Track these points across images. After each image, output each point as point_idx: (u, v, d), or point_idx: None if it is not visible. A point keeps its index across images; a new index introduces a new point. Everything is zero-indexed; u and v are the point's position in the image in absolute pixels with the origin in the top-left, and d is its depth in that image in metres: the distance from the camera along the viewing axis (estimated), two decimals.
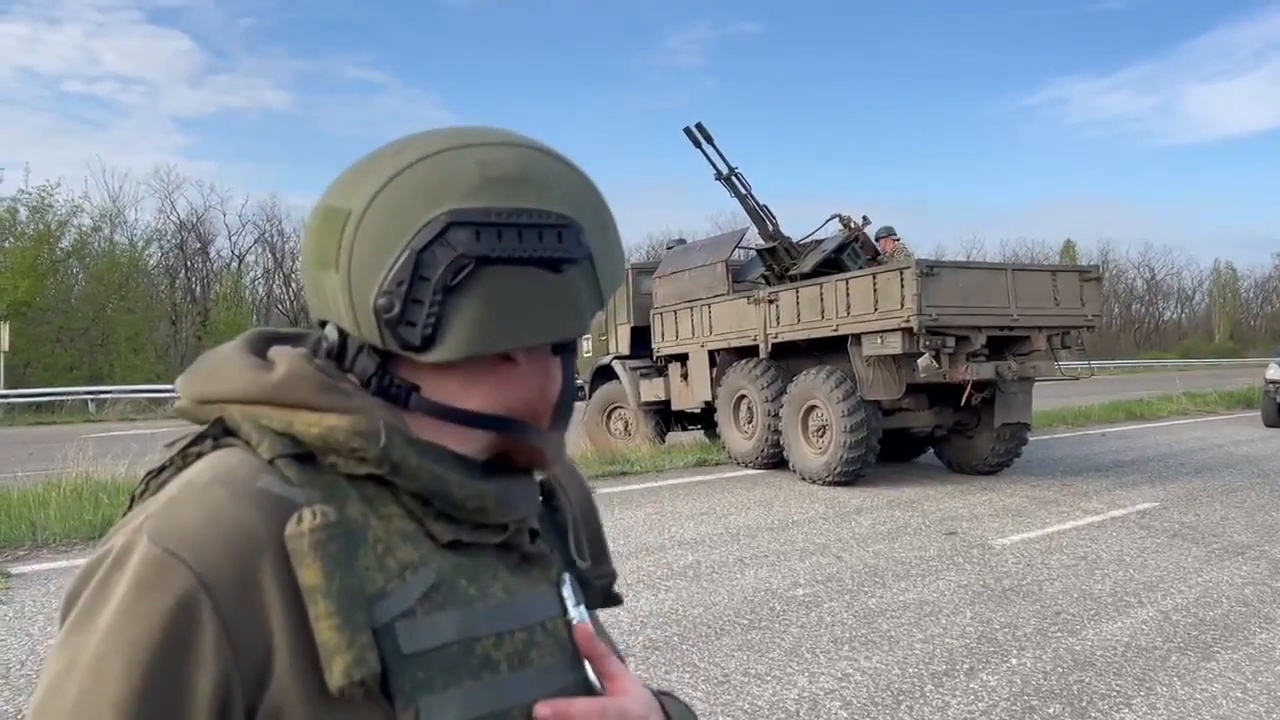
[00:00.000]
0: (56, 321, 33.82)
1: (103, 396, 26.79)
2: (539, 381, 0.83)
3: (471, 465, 0.80)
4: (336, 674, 0.65)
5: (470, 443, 0.80)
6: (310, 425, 0.73)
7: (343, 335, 0.78)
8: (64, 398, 26.92)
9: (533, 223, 0.75)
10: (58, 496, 8.31)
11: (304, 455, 0.73)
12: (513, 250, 0.74)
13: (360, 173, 0.77)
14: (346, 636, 0.66)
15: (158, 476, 0.75)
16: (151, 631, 0.64)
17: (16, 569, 6.74)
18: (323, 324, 0.80)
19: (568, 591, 0.86)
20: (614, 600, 0.96)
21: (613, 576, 0.95)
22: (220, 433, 0.75)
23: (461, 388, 0.79)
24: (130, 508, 0.74)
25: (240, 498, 0.69)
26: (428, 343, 0.73)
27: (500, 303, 0.74)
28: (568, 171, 0.81)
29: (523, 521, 0.83)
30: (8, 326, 26.66)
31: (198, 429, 0.76)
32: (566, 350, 0.85)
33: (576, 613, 0.85)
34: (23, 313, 30.77)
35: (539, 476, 0.90)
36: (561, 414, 0.86)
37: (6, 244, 33.42)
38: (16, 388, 27.46)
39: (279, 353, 0.78)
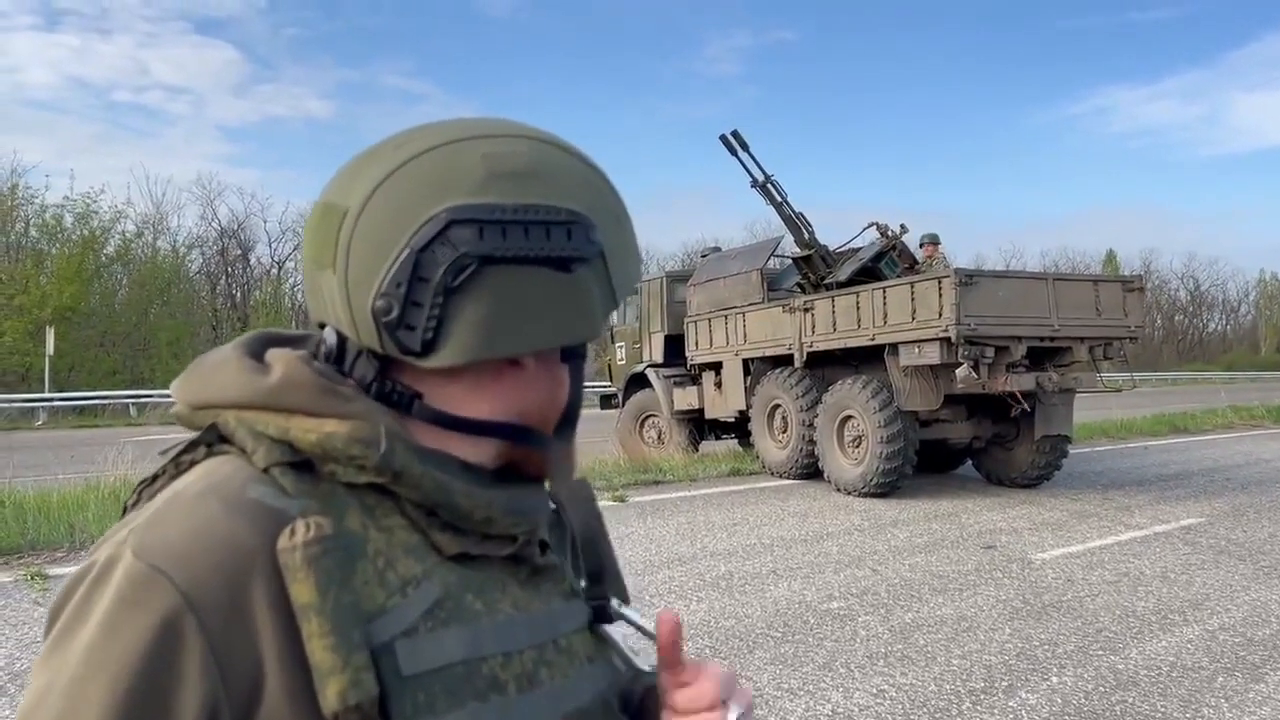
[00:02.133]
0: (100, 326, 34.45)
1: (144, 400, 27.21)
2: (548, 387, 0.79)
3: (479, 473, 0.76)
4: (331, 698, 0.61)
5: (478, 450, 0.77)
6: (307, 432, 0.69)
7: (341, 339, 0.74)
8: (106, 401, 27.38)
9: (540, 219, 0.71)
10: (96, 499, 8.42)
11: (301, 463, 0.69)
12: (519, 249, 0.70)
13: (360, 167, 0.72)
14: (341, 657, 0.62)
15: (150, 485, 0.71)
16: (134, 651, 0.60)
17: (54, 570, 6.82)
18: (322, 326, 0.77)
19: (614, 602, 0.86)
20: (604, 619, 0.90)
21: (606, 598, 0.89)
22: (214, 439, 0.71)
23: (466, 393, 0.75)
24: (123, 517, 0.70)
25: (231, 509, 0.65)
26: (428, 348, 0.69)
27: (505, 305, 0.70)
28: (579, 165, 0.77)
29: (533, 533, 0.79)
30: (53, 331, 27.14)
31: (193, 435, 0.73)
32: (576, 355, 0.81)
33: (633, 614, 0.85)
34: (68, 317, 31.37)
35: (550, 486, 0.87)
36: (568, 422, 0.82)
37: (53, 250, 34.11)
38: (61, 391, 27.97)
39: (276, 355, 0.74)
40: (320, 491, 0.69)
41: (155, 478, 0.72)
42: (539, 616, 0.77)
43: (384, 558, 0.69)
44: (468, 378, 0.74)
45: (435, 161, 0.71)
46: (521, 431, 0.77)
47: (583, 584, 0.87)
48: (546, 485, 0.84)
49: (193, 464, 0.71)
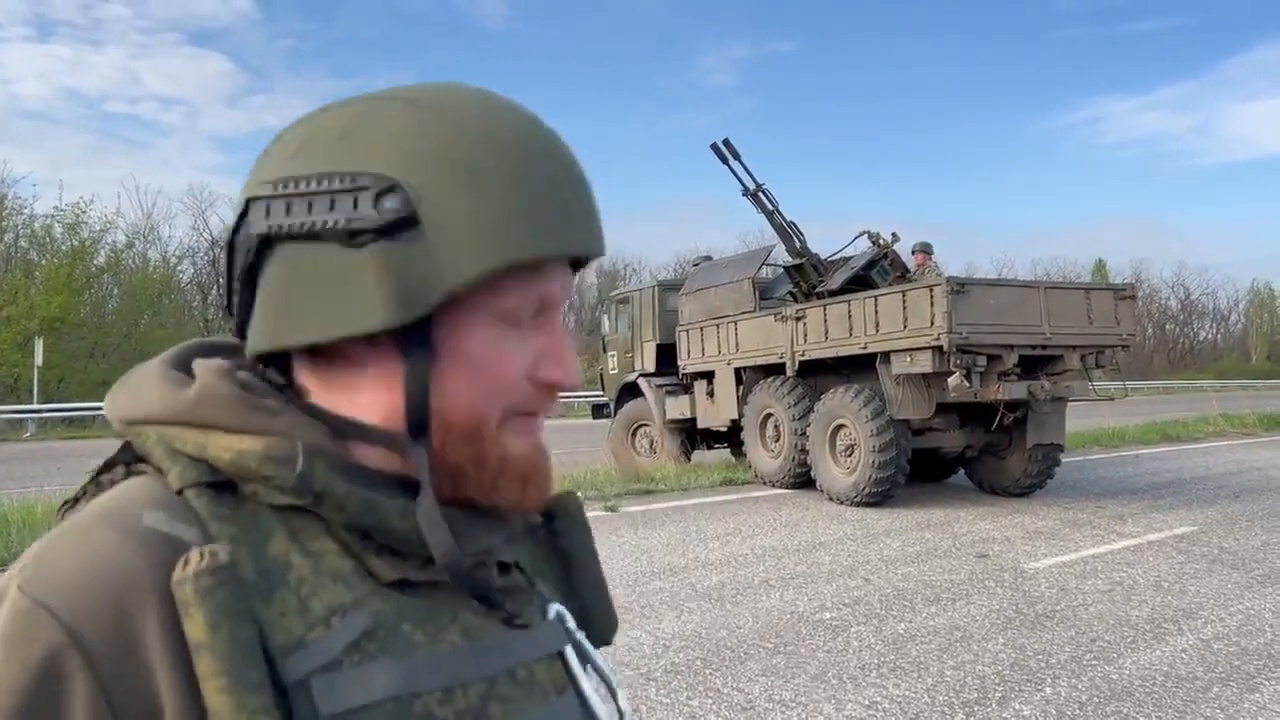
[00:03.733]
0: (90, 337, 34.28)
1: None
2: (385, 383, 0.67)
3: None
4: None
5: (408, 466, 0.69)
6: (224, 450, 0.64)
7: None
8: (96, 413, 27.21)
9: (328, 188, 0.63)
10: None
11: (224, 483, 0.64)
12: (299, 223, 0.63)
13: None
14: (234, 700, 0.56)
15: (72, 508, 0.66)
16: (14, 690, 0.55)
17: None
18: None
19: (554, 617, 0.76)
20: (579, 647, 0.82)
21: (591, 625, 0.83)
22: (130, 459, 0.67)
23: (343, 394, 0.68)
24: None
25: (124, 537, 0.59)
26: (242, 339, 0.68)
27: (285, 287, 0.64)
28: (424, 119, 0.65)
29: (486, 554, 0.71)
30: (42, 342, 27.00)
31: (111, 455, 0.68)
32: (413, 344, 0.65)
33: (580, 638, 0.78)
34: (56, 328, 31.21)
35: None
36: (416, 427, 0.66)
37: (42, 260, 33.97)
38: (50, 402, 27.81)
39: (200, 366, 0.69)
40: (241, 515, 0.63)
41: (77, 500, 0.67)
42: (493, 645, 0.69)
43: (309, 585, 0.62)
44: (337, 377, 0.68)
45: (277, 140, 0.68)
46: (375, 434, 0.68)
47: (555, 609, 0.78)
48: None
49: (112, 484, 0.66)
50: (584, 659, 0.77)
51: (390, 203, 0.63)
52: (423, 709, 0.63)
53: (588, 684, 0.75)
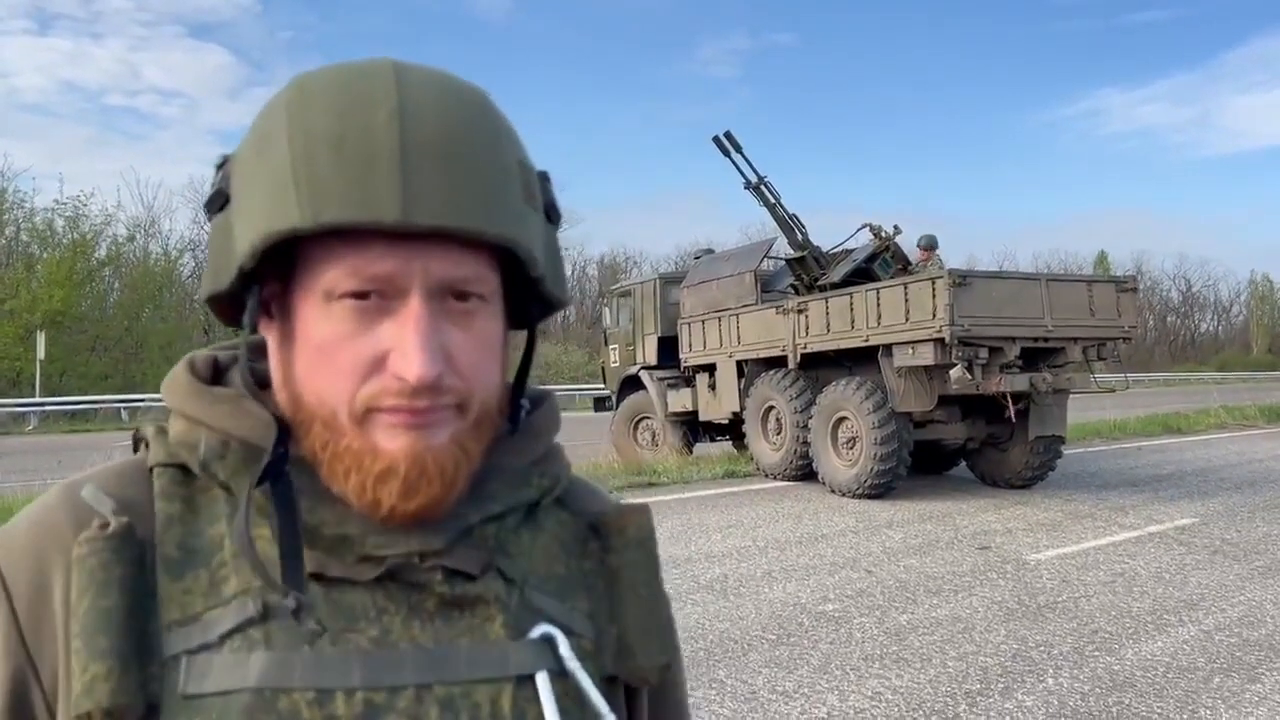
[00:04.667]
0: (91, 330, 34.31)
1: (135, 405, 27.09)
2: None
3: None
4: (70, 703, 0.60)
5: None
6: (173, 435, 0.70)
7: None
8: (97, 406, 27.25)
9: (221, 162, 0.68)
10: None
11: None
12: (212, 189, 0.68)
13: None
14: (80, 662, 0.60)
15: None
16: None
17: None
18: None
19: (537, 638, 0.69)
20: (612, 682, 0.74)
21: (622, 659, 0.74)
22: (141, 439, 0.73)
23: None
24: None
25: (63, 505, 0.67)
26: None
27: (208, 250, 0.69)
28: (280, 93, 0.66)
29: (426, 556, 0.66)
30: (44, 336, 27.02)
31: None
32: (267, 321, 0.69)
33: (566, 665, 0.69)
34: (58, 322, 31.23)
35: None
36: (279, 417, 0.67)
37: (43, 254, 33.97)
38: (52, 396, 27.83)
39: (189, 355, 0.76)
40: (196, 495, 0.68)
41: None
42: (411, 655, 0.65)
43: (229, 568, 0.65)
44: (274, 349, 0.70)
45: None
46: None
47: (542, 629, 0.69)
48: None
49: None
50: (572, 690, 0.68)
51: (217, 177, 0.67)
52: (288, 706, 0.61)
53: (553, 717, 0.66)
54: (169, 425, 0.70)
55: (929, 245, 12.32)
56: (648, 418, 14.46)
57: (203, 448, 0.67)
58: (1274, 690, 4.61)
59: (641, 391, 14.36)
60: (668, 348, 13.87)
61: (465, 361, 0.65)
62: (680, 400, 13.57)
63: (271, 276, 0.66)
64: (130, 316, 35.94)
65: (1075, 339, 10.32)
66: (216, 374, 0.73)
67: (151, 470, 0.68)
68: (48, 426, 25.35)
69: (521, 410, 0.76)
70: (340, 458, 0.64)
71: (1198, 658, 5.10)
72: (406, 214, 0.59)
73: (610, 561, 0.76)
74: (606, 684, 0.72)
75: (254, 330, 0.66)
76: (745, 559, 7.49)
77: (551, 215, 0.72)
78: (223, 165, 0.67)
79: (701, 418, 13.43)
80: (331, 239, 0.61)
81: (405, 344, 0.61)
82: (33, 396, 27.17)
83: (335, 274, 0.62)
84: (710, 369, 13.06)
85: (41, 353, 26.69)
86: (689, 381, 13.58)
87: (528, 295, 0.72)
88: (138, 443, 0.73)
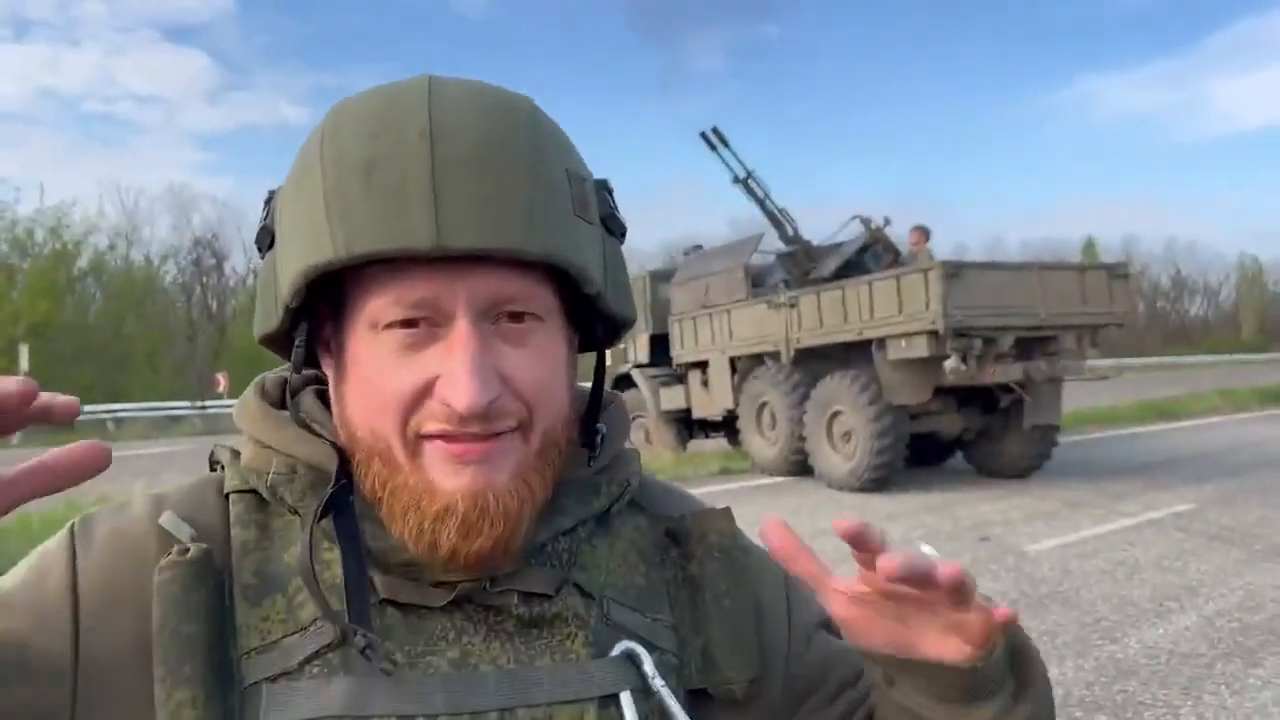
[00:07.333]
0: (74, 340, 34.12)
1: (121, 415, 26.92)
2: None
3: None
4: None
5: None
6: (244, 459, 0.69)
7: None
8: (83, 417, 27.06)
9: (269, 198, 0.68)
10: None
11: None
12: (261, 225, 0.69)
13: None
14: (165, 690, 0.60)
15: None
16: (26, 584, 0.65)
17: None
18: None
19: (619, 655, 0.66)
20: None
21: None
22: (217, 461, 0.73)
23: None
24: None
25: (143, 523, 0.67)
26: None
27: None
28: (320, 122, 0.65)
29: (504, 579, 0.65)
30: (27, 348, 26.84)
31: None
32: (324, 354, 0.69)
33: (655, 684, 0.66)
34: (41, 333, 31.06)
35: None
36: (339, 449, 0.66)
37: (24, 264, 33.79)
38: None
39: (260, 377, 0.75)
40: (272, 521, 0.67)
41: None
42: (493, 678, 0.63)
43: (305, 594, 0.63)
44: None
45: None
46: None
47: (623, 646, 0.67)
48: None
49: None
50: (657, 708, 0.66)
51: (264, 213, 0.66)
52: None
53: None
54: (242, 449, 0.70)
55: (922, 231, 12.27)
56: (640, 416, 14.42)
57: (271, 475, 0.66)
58: (1276, 674, 4.60)
59: (634, 390, 14.31)
60: (659, 345, 13.85)
61: (524, 380, 0.62)
62: (673, 398, 13.53)
63: (324, 311, 0.64)
64: (113, 325, 35.78)
65: (1068, 327, 10.31)
66: (287, 395, 0.71)
67: (227, 496, 0.68)
68: (32, 439, 25.17)
69: (598, 436, 0.73)
70: (398, 495, 0.62)
71: (1200, 644, 5.09)
72: (441, 238, 0.57)
73: (691, 570, 0.73)
74: (693, 697, 0.69)
75: (299, 370, 0.65)
76: None
77: (612, 227, 0.68)
78: (270, 200, 0.66)
79: (695, 415, 13.41)
80: (374, 268, 0.60)
81: (453, 369, 0.60)
82: None
83: (379, 303, 0.61)
84: (702, 366, 13.02)
85: (25, 364, 26.51)
86: (681, 379, 13.55)
87: (590, 313, 0.68)
88: (214, 464, 0.73)
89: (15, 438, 23.52)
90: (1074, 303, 10.29)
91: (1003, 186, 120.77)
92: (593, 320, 0.69)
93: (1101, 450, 14.19)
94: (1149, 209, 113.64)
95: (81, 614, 0.62)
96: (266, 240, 0.65)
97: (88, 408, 27.78)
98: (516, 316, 0.62)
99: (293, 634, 0.62)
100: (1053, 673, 4.67)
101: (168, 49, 79.01)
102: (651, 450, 13.72)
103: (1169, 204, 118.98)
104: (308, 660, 0.61)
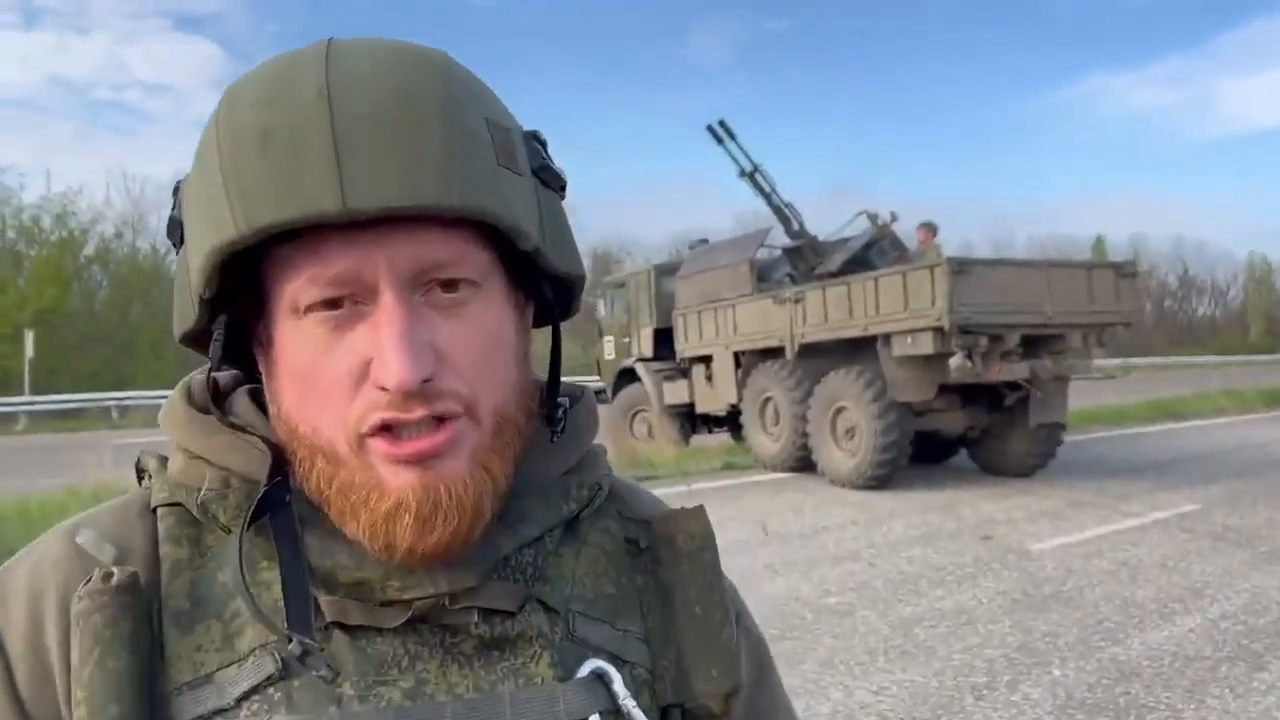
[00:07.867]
0: (80, 328, 34.15)
1: (126, 403, 26.93)
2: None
3: None
4: None
5: None
6: (173, 471, 0.63)
7: None
8: (88, 404, 27.10)
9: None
10: (78, 505, 8.27)
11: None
12: (170, 218, 0.64)
13: None
14: None
15: None
16: None
17: None
18: None
19: (588, 675, 0.62)
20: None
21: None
22: (142, 471, 0.67)
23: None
24: None
25: (59, 551, 0.61)
26: None
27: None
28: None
29: (457, 597, 0.59)
30: (33, 335, 26.87)
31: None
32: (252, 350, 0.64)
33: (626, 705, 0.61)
34: (47, 320, 31.10)
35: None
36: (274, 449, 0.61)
37: (31, 251, 33.83)
38: (41, 394, 27.68)
39: (187, 378, 0.68)
40: (205, 538, 0.60)
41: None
42: (450, 707, 0.58)
43: (242, 619, 0.58)
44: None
45: None
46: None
47: (591, 665, 0.63)
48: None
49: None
50: None
51: (172, 206, 0.61)
52: None
53: None
54: (170, 457, 0.64)
55: (930, 227, 12.22)
56: (643, 410, 14.39)
57: (203, 489, 0.60)
58: None
59: (637, 384, 14.29)
60: (663, 339, 13.80)
61: (463, 357, 0.57)
62: (676, 392, 13.50)
63: (248, 302, 0.59)
64: (119, 314, 35.80)
65: (1075, 326, 10.26)
66: (218, 398, 0.65)
67: (155, 510, 0.62)
68: (37, 425, 25.22)
69: (560, 410, 0.68)
70: (346, 493, 0.57)
71: (1204, 646, 5.05)
72: (347, 201, 0.51)
73: (662, 576, 0.68)
74: (667, 713, 0.65)
75: (218, 368, 0.60)
76: (745, 552, 7.42)
77: (547, 179, 0.62)
78: (177, 190, 0.60)
79: (698, 409, 13.37)
80: (287, 247, 0.54)
81: (382, 347, 0.54)
82: (21, 395, 27.03)
83: (295, 285, 0.55)
84: (706, 360, 12.98)
85: (30, 351, 26.55)
86: (685, 373, 13.50)
87: (535, 274, 0.63)
88: (141, 474, 0.66)
89: (21, 423, 23.45)
90: (1081, 301, 10.23)
91: (1010, 183, 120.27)
92: (539, 281, 0.63)
93: (1106, 450, 14.14)
94: (1157, 207, 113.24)
95: (18, 679, 0.58)
96: (177, 233, 0.60)
97: (93, 395, 27.87)
98: (449, 285, 0.57)
99: (229, 665, 0.56)
100: (1054, 674, 4.65)
101: (178, 37, 79.14)
102: (654, 445, 13.70)
103: (1178, 203, 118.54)
104: (245, 697, 0.55)
